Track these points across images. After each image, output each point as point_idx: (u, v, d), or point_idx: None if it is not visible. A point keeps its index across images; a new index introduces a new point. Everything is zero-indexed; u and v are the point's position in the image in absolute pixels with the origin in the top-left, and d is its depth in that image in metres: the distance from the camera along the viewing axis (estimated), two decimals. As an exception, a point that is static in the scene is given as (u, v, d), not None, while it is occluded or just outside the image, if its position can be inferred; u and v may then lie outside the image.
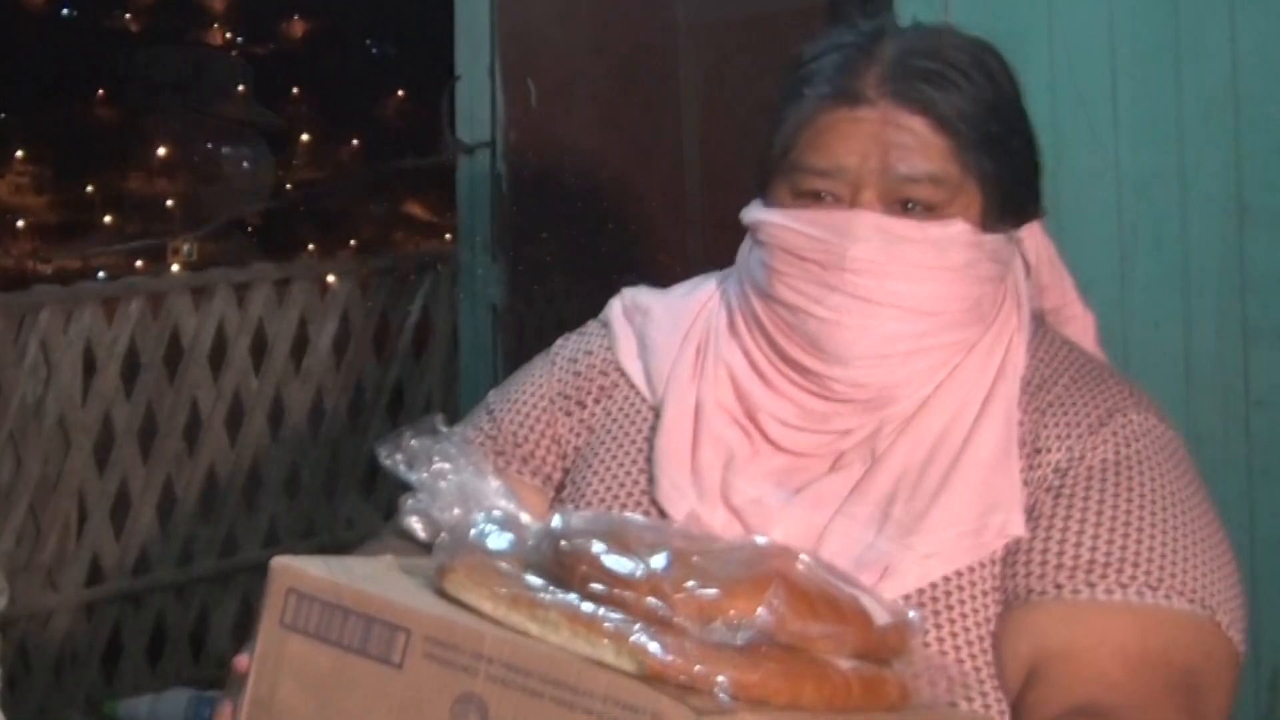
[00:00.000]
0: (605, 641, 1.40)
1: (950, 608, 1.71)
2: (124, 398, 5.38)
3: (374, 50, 52.30)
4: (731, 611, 1.41)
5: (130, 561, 5.45)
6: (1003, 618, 1.71)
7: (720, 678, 1.37)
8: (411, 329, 5.99)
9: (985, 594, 1.72)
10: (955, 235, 1.76)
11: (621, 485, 1.88)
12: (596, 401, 1.96)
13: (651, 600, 1.41)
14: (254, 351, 5.66)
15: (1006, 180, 1.80)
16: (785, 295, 1.79)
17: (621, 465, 1.89)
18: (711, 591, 1.42)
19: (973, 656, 1.70)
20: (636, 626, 1.40)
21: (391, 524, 1.83)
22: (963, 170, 1.77)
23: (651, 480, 1.85)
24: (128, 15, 51.07)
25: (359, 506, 5.84)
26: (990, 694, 1.69)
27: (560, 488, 1.95)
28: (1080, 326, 1.96)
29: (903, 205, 1.76)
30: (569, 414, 1.97)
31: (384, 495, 5.72)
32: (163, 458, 5.47)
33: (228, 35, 52.75)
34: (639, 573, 1.44)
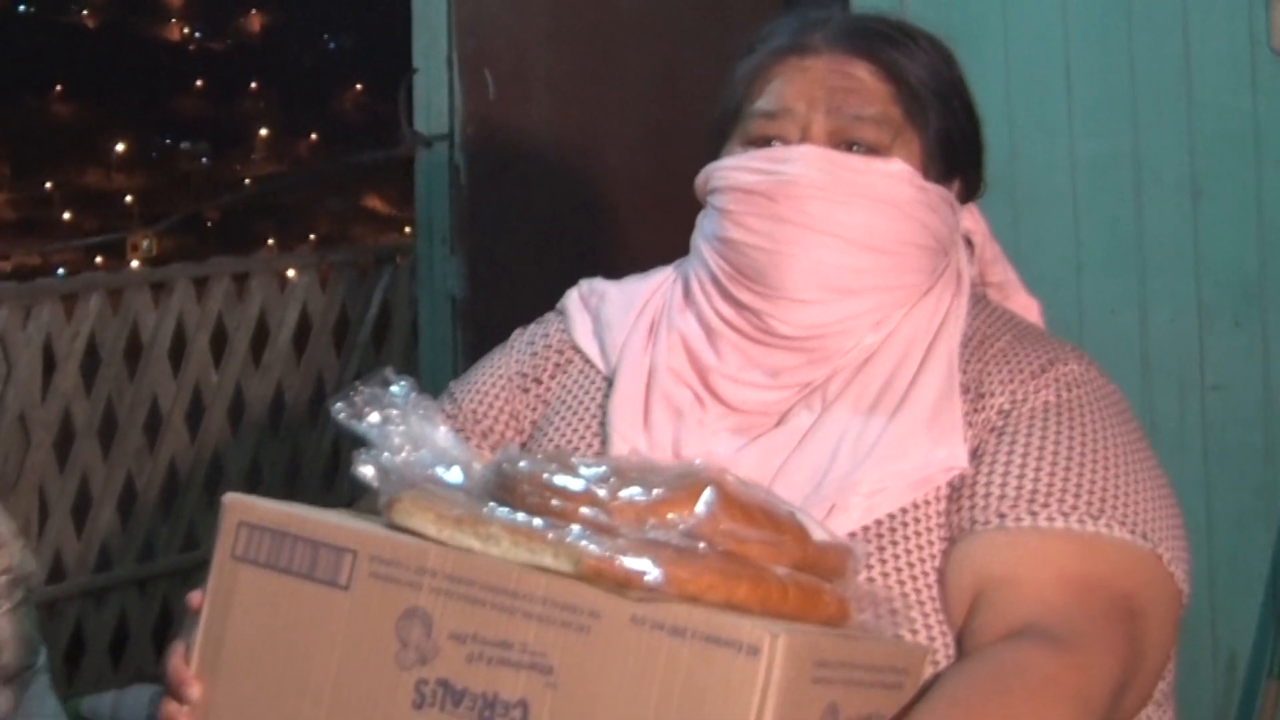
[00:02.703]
0: (543, 547, 1.43)
1: (895, 543, 1.75)
2: (84, 394, 5.37)
3: (331, 44, 52.25)
4: (669, 515, 1.44)
5: (92, 558, 5.44)
6: (947, 552, 1.74)
7: (655, 570, 1.39)
8: (371, 322, 5.98)
9: (930, 530, 1.75)
10: (897, 172, 1.84)
11: (575, 448, 1.92)
12: (552, 377, 2.02)
13: (588, 510, 1.45)
14: (214, 346, 5.65)
15: (946, 137, 1.89)
16: (734, 233, 1.85)
17: (575, 430, 1.94)
18: (648, 498, 1.45)
19: (917, 591, 1.73)
20: (574, 530, 1.43)
21: (360, 502, 1.85)
22: (905, 116, 1.86)
23: (605, 442, 1.90)
24: (84, 11, 50.92)
25: (321, 500, 5.83)
26: (935, 627, 1.72)
27: None
28: (1024, 301, 2.01)
29: (848, 146, 1.85)
30: (525, 390, 2.02)
31: (345, 488, 5.72)
32: (123, 453, 5.45)
33: (185, 30, 52.62)
34: (577, 486, 1.48)
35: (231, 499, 1.62)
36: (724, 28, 4.34)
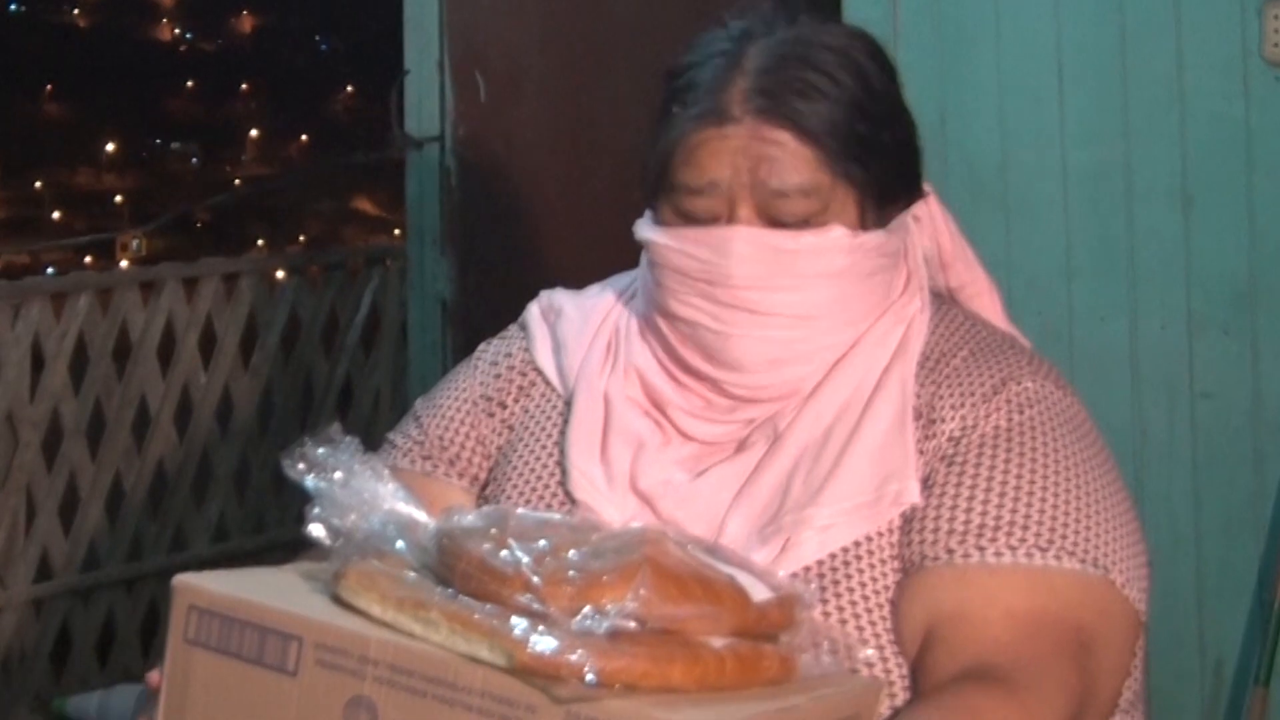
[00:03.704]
0: (480, 638, 1.44)
1: (849, 577, 1.74)
2: (72, 393, 5.36)
3: (323, 45, 52.21)
4: (603, 601, 1.44)
5: (79, 558, 5.43)
6: (900, 585, 1.74)
7: (587, 666, 1.40)
8: (360, 324, 5.98)
9: (884, 562, 1.75)
10: (832, 242, 1.80)
11: (538, 478, 1.92)
12: (516, 400, 2.01)
13: (522, 595, 1.45)
14: (203, 347, 5.65)
15: (879, 180, 1.83)
16: (678, 310, 1.84)
17: (538, 459, 1.94)
18: (581, 583, 1.45)
19: (872, 624, 1.73)
20: (510, 621, 1.44)
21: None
22: (833, 178, 1.80)
23: (565, 472, 1.89)
24: (75, 10, 50.87)
25: (308, 499, 5.82)
26: (890, 660, 1.72)
27: (485, 487, 1.99)
28: (989, 300, 1.99)
29: (779, 219, 1.80)
30: (491, 415, 2.01)
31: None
32: (111, 453, 5.45)
33: (176, 31, 52.58)
34: (512, 568, 1.47)
35: (181, 581, 1.63)
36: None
